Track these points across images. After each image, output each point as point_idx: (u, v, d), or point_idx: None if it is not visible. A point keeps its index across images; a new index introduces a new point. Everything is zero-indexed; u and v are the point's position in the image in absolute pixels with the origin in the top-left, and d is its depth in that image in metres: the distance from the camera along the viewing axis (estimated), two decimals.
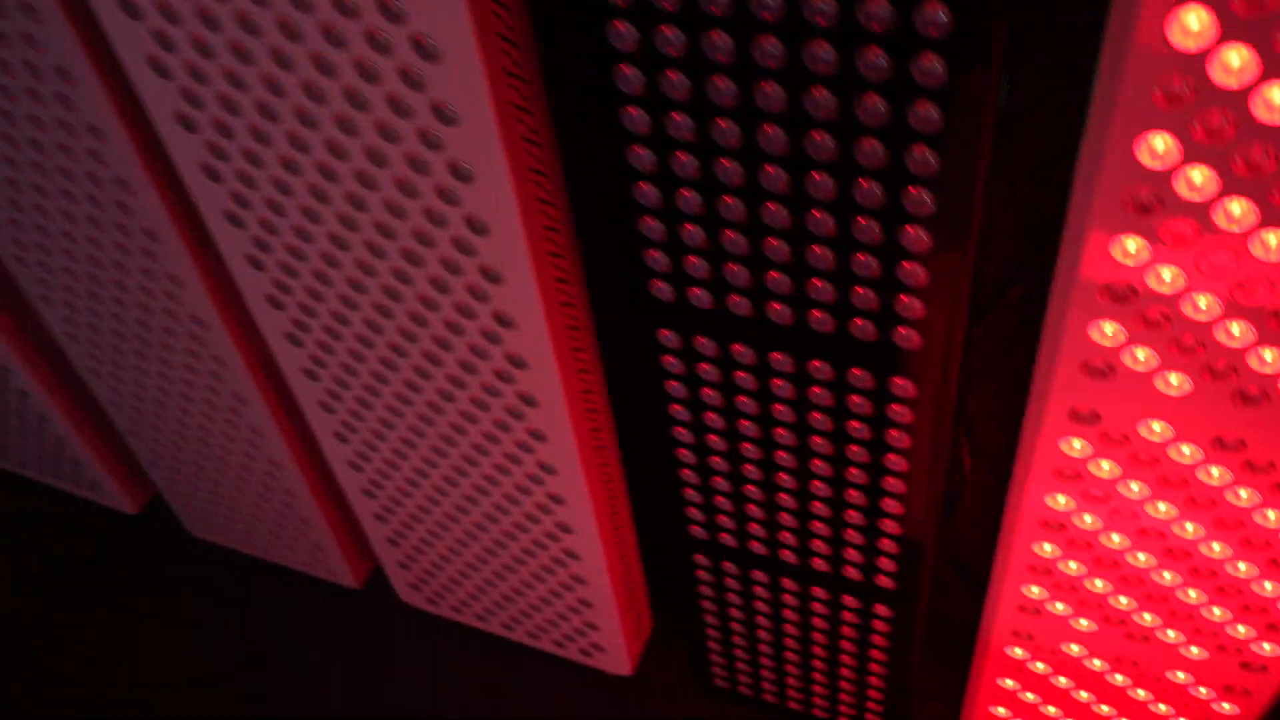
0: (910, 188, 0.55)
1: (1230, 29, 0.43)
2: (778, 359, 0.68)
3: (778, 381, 0.70)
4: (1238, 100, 0.45)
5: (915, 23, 0.48)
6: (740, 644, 0.98)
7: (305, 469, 1.10)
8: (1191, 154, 0.47)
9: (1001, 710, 0.93)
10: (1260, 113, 0.45)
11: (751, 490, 0.80)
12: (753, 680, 1.03)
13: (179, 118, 0.72)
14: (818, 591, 0.86)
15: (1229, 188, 0.48)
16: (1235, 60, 0.43)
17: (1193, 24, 0.43)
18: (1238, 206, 0.48)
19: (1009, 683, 0.89)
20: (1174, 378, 0.57)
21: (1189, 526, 0.66)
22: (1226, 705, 0.79)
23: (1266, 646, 0.72)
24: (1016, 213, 0.68)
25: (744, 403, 0.73)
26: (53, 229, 0.94)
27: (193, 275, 0.91)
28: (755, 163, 0.57)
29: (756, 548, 0.85)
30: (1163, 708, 0.83)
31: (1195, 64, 0.44)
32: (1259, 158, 0.46)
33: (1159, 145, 0.48)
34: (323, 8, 0.60)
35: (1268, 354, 0.54)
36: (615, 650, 1.09)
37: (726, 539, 0.86)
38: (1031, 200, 0.67)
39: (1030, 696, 0.89)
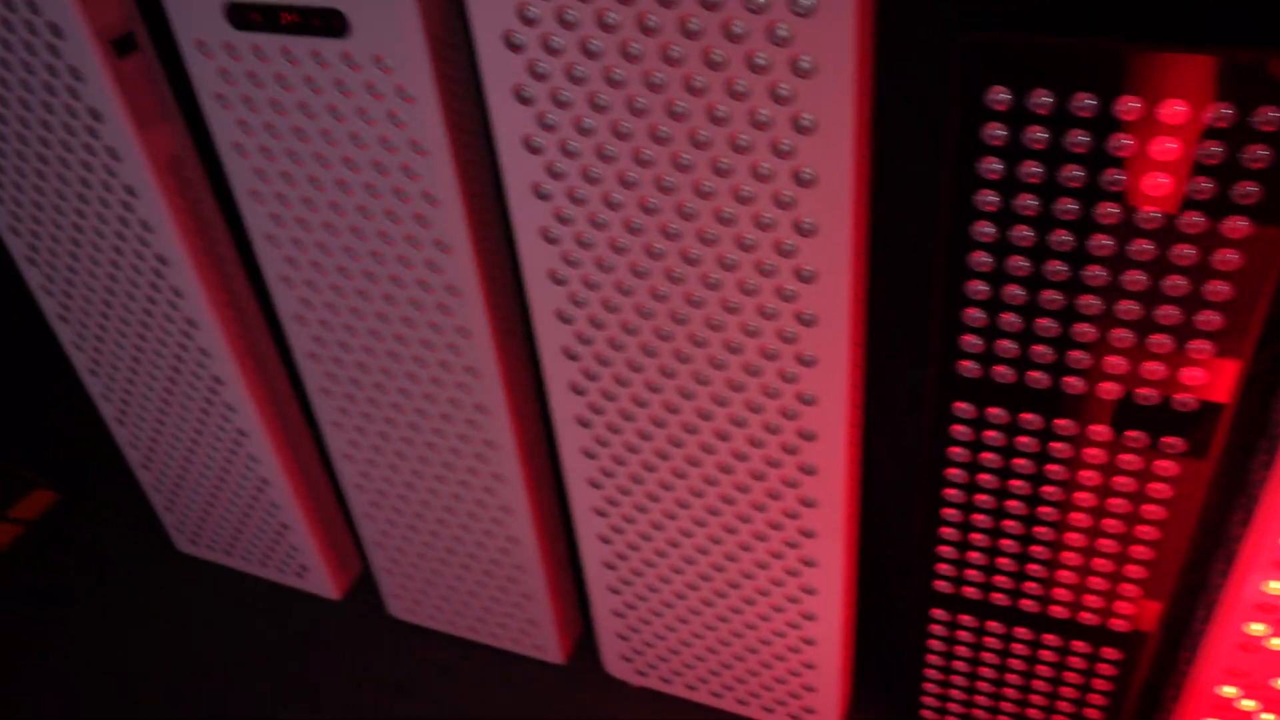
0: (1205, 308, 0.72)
1: None
2: (1061, 424, 0.84)
3: (1057, 445, 0.85)
4: None
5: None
6: (958, 697, 1.11)
7: (542, 543, 1.23)
8: None
9: None
10: None
11: (1006, 544, 0.94)
12: None
13: (525, 141, 0.86)
14: (1050, 639, 1.00)
15: None
16: None
17: None
18: None
19: None
20: None
21: None
22: None
23: None
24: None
25: (1020, 465, 0.88)
26: (362, 329, 1.10)
27: (492, 370, 1.06)
28: (1080, 266, 0.74)
29: (998, 599, 0.99)
30: None
31: None
32: None
33: None
34: (712, 33, 0.74)
35: None
36: (827, 712, 1.20)
37: (970, 592, 1.00)
38: None
39: None
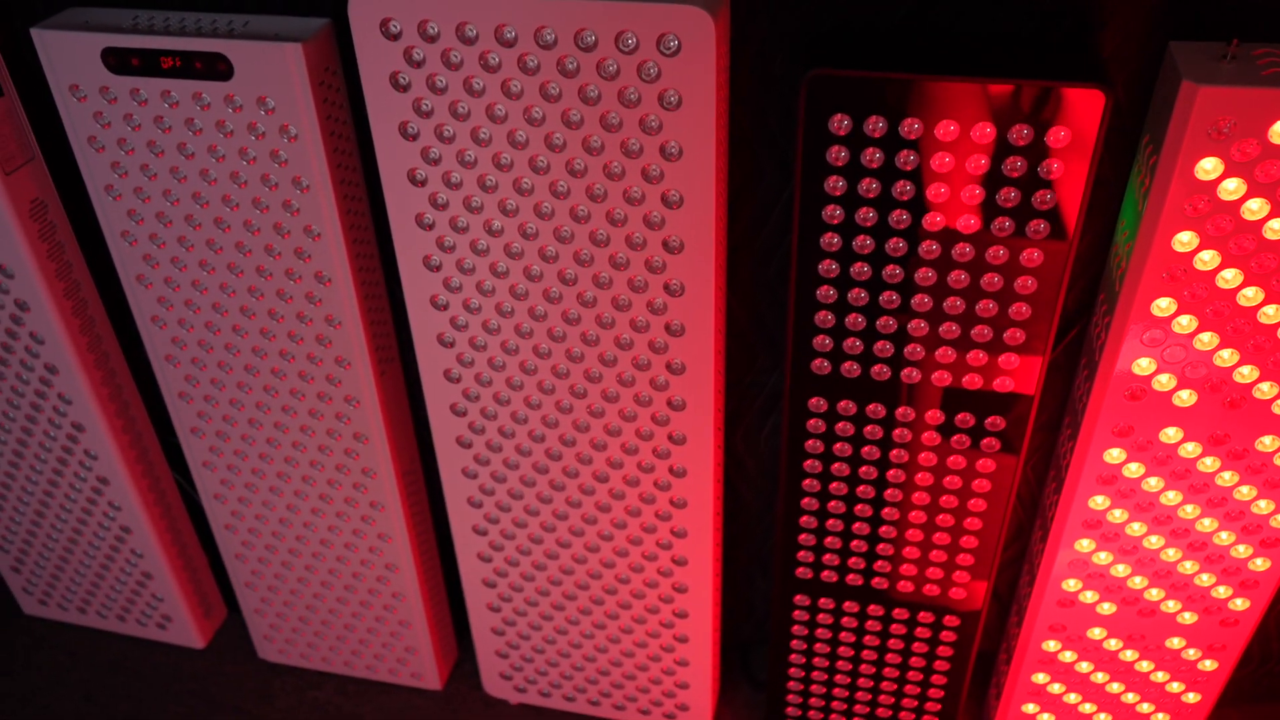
0: (1016, 299, 0.85)
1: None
2: (902, 411, 0.95)
3: (899, 431, 0.97)
4: (1251, 226, 0.77)
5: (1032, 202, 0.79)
6: (819, 679, 1.21)
7: (420, 568, 1.27)
8: (1206, 243, 0.79)
9: (1031, 707, 1.18)
10: (1265, 232, 0.77)
11: (859, 527, 1.05)
12: (823, 716, 1.25)
13: (409, 175, 0.92)
14: (899, 614, 1.11)
15: (1247, 277, 0.80)
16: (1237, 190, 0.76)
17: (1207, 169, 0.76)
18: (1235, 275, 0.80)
19: (1041, 677, 1.15)
20: (1185, 394, 0.88)
21: (1189, 509, 0.95)
22: (1209, 663, 1.08)
23: (1240, 603, 1.02)
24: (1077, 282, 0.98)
25: (869, 452, 0.99)
26: (238, 365, 1.12)
27: (372, 398, 1.10)
28: (912, 270, 0.86)
29: (852, 580, 1.10)
30: (1161, 675, 1.10)
31: (1209, 188, 0.77)
32: (1267, 260, 0.78)
33: (1185, 238, 0.79)
34: (588, 71, 0.84)
35: (1246, 369, 0.85)
36: (700, 708, 1.28)
37: (828, 576, 1.10)
38: (1089, 270, 0.97)
39: (1057, 687, 1.15)
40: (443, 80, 0.86)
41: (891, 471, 1.00)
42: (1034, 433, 1.09)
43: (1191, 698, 1.12)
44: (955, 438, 0.96)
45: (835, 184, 0.83)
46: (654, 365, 0.98)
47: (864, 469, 1.00)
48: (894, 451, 0.99)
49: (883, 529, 1.05)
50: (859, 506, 1.04)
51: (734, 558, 1.26)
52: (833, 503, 1.04)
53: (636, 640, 1.23)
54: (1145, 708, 1.14)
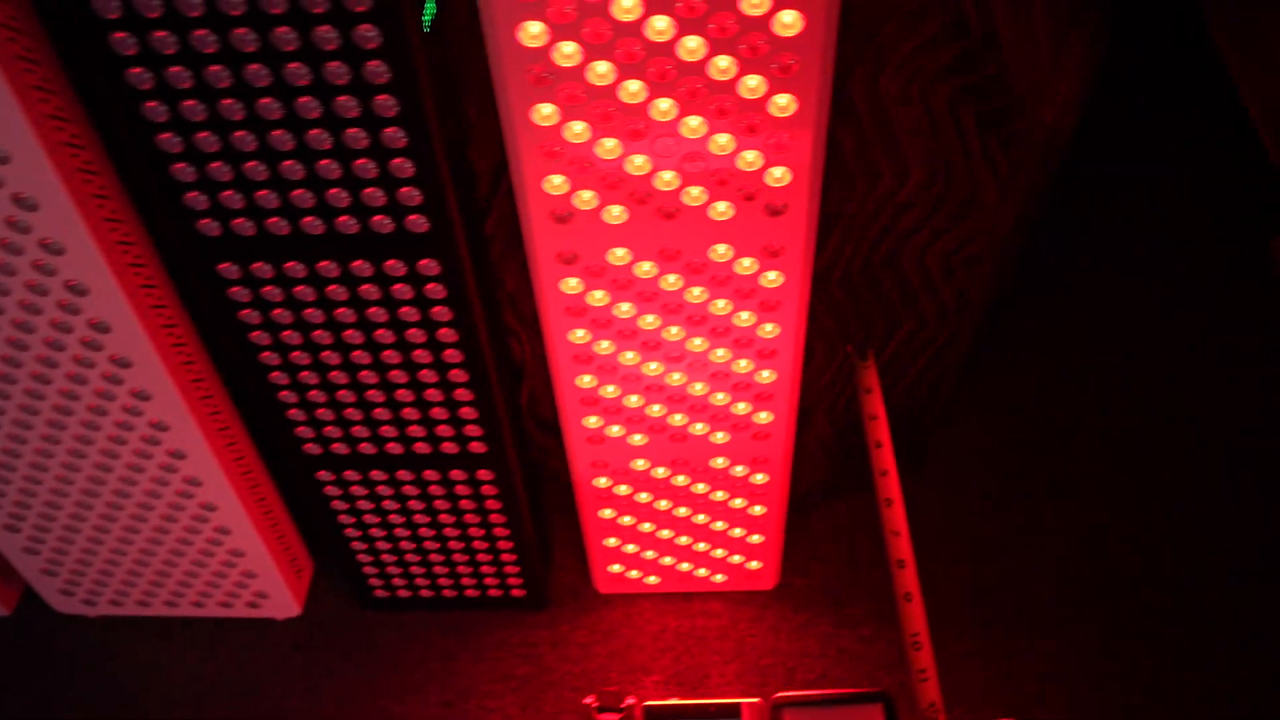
0: (375, 98, 0.69)
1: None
2: (325, 266, 0.80)
3: (332, 288, 0.82)
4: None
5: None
6: (385, 548, 1.10)
7: None
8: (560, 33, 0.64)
9: (612, 540, 1.11)
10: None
11: (344, 395, 0.92)
12: (407, 581, 1.15)
13: None
14: (430, 475, 1.00)
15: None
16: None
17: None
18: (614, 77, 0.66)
19: (607, 512, 1.06)
20: (616, 210, 0.75)
21: (673, 330, 0.85)
22: (760, 476, 1.01)
23: (764, 415, 0.93)
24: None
25: (312, 314, 0.84)
26: None
27: None
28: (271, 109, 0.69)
29: (366, 449, 0.98)
30: (720, 495, 1.03)
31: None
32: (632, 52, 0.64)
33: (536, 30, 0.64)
34: None
35: (668, 175, 0.72)
36: (280, 594, 1.17)
37: (339, 448, 0.98)
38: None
39: (627, 519, 1.07)
40: None
41: (348, 332, 0.86)
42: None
43: (758, 510, 1.05)
44: (395, 286, 0.82)
45: (126, 41, 0.65)
46: (53, 290, 0.81)
47: (316, 334, 0.86)
48: (339, 310, 0.84)
49: (369, 393, 0.92)
50: (332, 374, 0.90)
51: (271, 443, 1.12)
52: (303, 374, 0.90)
53: (179, 539, 1.10)
54: (719, 525, 1.08)
